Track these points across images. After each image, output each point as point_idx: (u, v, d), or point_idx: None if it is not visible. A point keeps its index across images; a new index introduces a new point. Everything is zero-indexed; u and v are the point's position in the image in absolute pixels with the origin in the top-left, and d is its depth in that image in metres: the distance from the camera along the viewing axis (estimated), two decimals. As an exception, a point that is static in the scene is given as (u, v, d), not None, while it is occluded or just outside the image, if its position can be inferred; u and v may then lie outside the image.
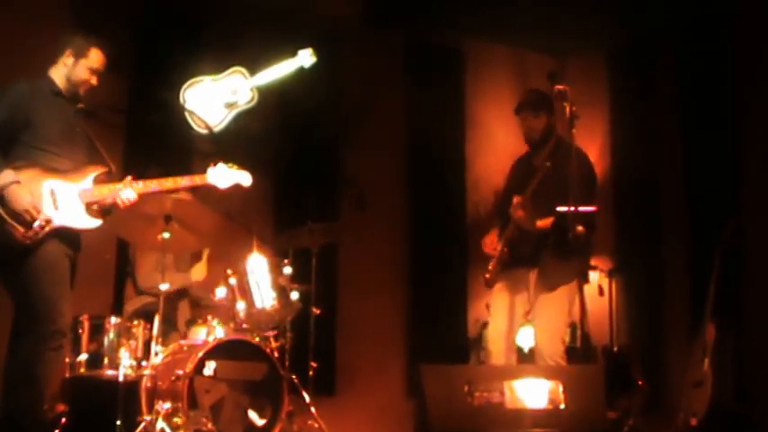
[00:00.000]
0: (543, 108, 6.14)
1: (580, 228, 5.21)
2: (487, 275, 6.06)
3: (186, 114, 5.81)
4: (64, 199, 5.16)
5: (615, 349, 7.83)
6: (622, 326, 8.17)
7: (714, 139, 7.55)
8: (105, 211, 5.38)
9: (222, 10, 7.93)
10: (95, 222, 5.29)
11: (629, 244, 8.41)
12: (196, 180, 5.64)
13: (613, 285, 8.16)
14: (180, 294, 6.59)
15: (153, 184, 5.47)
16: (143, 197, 5.45)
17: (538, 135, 6.16)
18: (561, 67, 7.57)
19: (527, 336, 6.46)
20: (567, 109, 5.31)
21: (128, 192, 5.35)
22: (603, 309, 8.02)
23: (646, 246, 8.22)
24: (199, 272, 6.61)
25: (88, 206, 5.27)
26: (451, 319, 8.60)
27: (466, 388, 4.46)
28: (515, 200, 5.85)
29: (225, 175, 5.65)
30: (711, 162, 7.55)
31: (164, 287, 5.69)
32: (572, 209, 5.21)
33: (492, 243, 6.11)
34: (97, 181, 5.36)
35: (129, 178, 5.42)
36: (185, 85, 5.93)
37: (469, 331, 8.62)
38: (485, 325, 8.30)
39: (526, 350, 7.11)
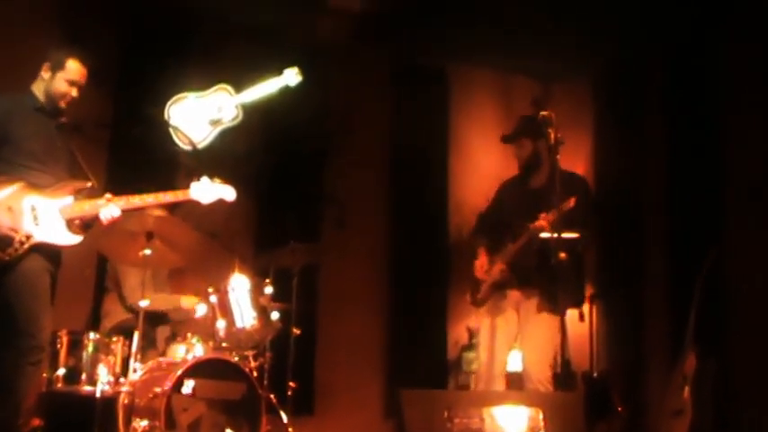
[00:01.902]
0: (525, 135, 6.18)
1: (563, 254, 5.21)
2: (479, 296, 6.12)
3: (171, 130, 5.80)
4: (45, 215, 5.13)
5: (595, 375, 7.83)
6: (602, 351, 8.16)
7: (697, 166, 7.57)
8: (86, 225, 5.34)
9: (208, 27, 7.91)
10: (76, 238, 5.25)
11: (610, 270, 8.42)
12: (179, 195, 5.57)
13: (594, 311, 8.16)
14: (162, 317, 6.55)
15: (136, 200, 5.43)
16: (126, 213, 5.43)
17: (524, 161, 6.21)
18: (546, 92, 7.57)
19: (516, 359, 6.44)
20: (552, 135, 5.33)
21: (110, 208, 5.32)
22: (584, 334, 8.02)
23: (627, 272, 8.22)
24: (190, 301, 6.51)
25: (69, 222, 5.23)
26: (431, 340, 8.58)
27: (445, 413, 4.45)
28: (544, 216, 5.80)
29: (208, 190, 5.59)
30: (694, 189, 7.57)
31: (144, 303, 5.68)
32: (555, 235, 5.23)
33: (483, 266, 6.14)
34: (78, 197, 5.32)
35: (107, 195, 5.37)
36: (170, 102, 5.94)
37: (449, 353, 8.58)
38: (464, 347, 8.31)
39: (515, 373, 7.07)
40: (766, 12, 6.92)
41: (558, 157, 5.28)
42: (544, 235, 5.72)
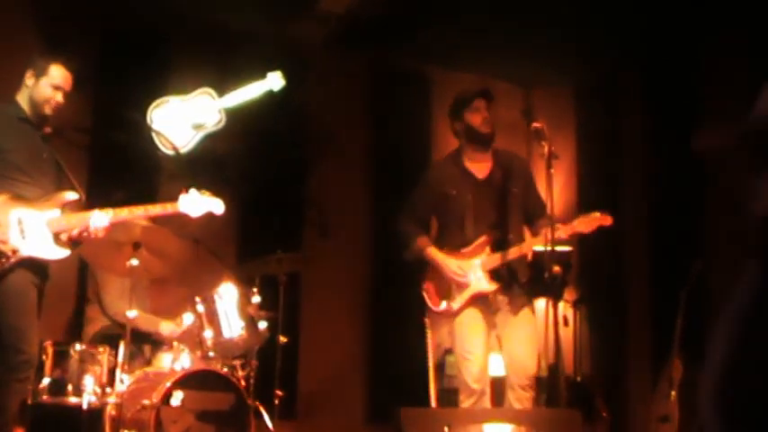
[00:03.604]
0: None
1: (557, 268, 5.19)
2: (455, 306, 5.94)
3: (153, 135, 5.74)
4: (32, 228, 5.07)
5: (579, 379, 7.85)
6: (586, 356, 8.19)
7: (679, 178, 7.61)
8: (75, 243, 5.28)
9: (191, 30, 7.87)
10: (64, 252, 5.20)
11: (593, 275, 8.44)
12: (168, 208, 5.51)
13: (577, 316, 8.18)
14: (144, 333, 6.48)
15: (123, 213, 5.37)
16: (113, 225, 5.37)
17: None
18: (528, 100, 7.55)
19: (497, 363, 6.38)
20: (546, 148, 5.29)
21: (98, 220, 5.25)
22: (568, 339, 8.04)
23: (610, 277, 8.25)
24: (168, 327, 6.41)
25: (56, 235, 5.17)
26: (413, 345, 8.53)
27: (446, 429, 4.44)
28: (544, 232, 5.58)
29: (197, 203, 5.53)
30: (676, 197, 7.60)
31: (131, 314, 5.62)
32: (548, 248, 5.20)
33: (463, 270, 5.92)
34: (66, 209, 5.27)
35: (96, 210, 5.32)
36: (153, 105, 5.87)
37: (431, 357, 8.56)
38: (447, 351, 8.27)
39: (497, 378, 7.05)
40: (747, 22, 6.96)
41: (552, 171, 5.25)
42: (537, 248, 5.68)
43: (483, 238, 5.90)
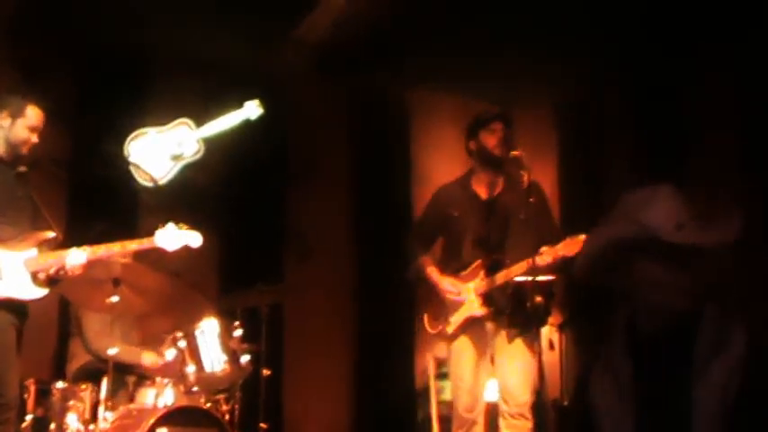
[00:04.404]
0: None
1: (539, 298, 5.15)
2: (450, 330, 5.88)
3: (131, 167, 5.72)
4: (9, 268, 5.05)
5: (565, 403, 7.80)
6: (573, 380, 8.14)
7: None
8: (53, 281, 5.23)
9: (167, 61, 7.83)
10: (42, 292, 5.17)
11: (578, 298, 8.40)
12: (144, 243, 5.49)
13: (563, 339, 8.14)
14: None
15: (101, 250, 5.34)
16: (91, 263, 5.33)
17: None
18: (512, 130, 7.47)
19: (492, 389, 6.33)
20: (525, 177, 5.25)
21: (75, 258, 5.21)
22: (554, 363, 8.00)
23: (594, 300, 8.21)
24: (149, 358, 6.34)
25: (34, 275, 5.13)
26: (398, 372, 8.51)
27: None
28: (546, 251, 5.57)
29: (174, 237, 5.51)
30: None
31: (112, 352, 5.59)
32: (531, 279, 5.16)
33: (458, 287, 5.88)
34: (42, 248, 5.22)
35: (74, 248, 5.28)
36: (130, 137, 5.84)
37: (417, 383, 8.52)
38: (439, 376, 8.23)
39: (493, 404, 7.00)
40: (733, 37, 6.96)
41: (532, 200, 5.21)
42: (519, 278, 5.63)
43: (478, 262, 5.86)
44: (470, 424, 5.80)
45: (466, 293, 5.86)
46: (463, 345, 5.90)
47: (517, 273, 5.66)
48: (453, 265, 6.00)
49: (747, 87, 7.05)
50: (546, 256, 5.51)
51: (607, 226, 3.12)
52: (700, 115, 7.39)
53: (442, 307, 5.98)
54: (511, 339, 5.79)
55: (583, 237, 5.51)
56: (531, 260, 5.46)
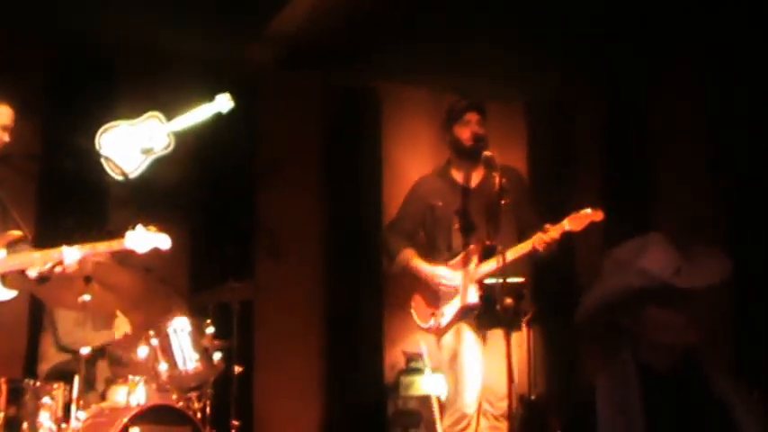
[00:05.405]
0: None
1: (509, 300, 5.16)
2: (444, 322, 5.83)
3: (102, 160, 5.70)
4: (-24, 270, 5.00)
5: (533, 398, 7.86)
6: (540, 374, 8.20)
7: (630, 196, 7.66)
8: (43, 278, 5.20)
9: (138, 54, 7.78)
10: (11, 293, 5.14)
11: (546, 294, 8.45)
12: (114, 245, 5.46)
13: (531, 335, 8.18)
14: (100, 352, 6.40)
15: (86, 249, 5.31)
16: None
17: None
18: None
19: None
20: (497, 179, 5.26)
21: (71, 255, 5.18)
22: (522, 358, 8.05)
23: (563, 295, 8.27)
24: (122, 327, 6.35)
25: (3, 277, 5.10)
26: (368, 367, 8.52)
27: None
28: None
29: (143, 239, 5.49)
30: (626, 214, 7.65)
31: (85, 350, 5.58)
32: (500, 281, 5.16)
33: (453, 274, 5.84)
34: (11, 249, 5.19)
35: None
36: (101, 130, 5.83)
37: (386, 378, 8.54)
38: (401, 372, 8.27)
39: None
40: (703, 36, 7.02)
41: (504, 202, 5.22)
42: (489, 281, 5.64)
43: (472, 248, 5.83)
44: (470, 420, 5.77)
45: (460, 281, 5.81)
46: (469, 336, 5.84)
47: (523, 250, 5.67)
48: (440, 256, 5.99)
49: (716, 87, 7.13)
50: (552, 231, 5.56)
51: (608, 279, 3.30)
52: (669, 115, 7.46)
53: (433, 299, 5.95)
54: (483, 339, 5.81)
55: (588, 210, 5.54)
56: (540, 232, 5.54)
